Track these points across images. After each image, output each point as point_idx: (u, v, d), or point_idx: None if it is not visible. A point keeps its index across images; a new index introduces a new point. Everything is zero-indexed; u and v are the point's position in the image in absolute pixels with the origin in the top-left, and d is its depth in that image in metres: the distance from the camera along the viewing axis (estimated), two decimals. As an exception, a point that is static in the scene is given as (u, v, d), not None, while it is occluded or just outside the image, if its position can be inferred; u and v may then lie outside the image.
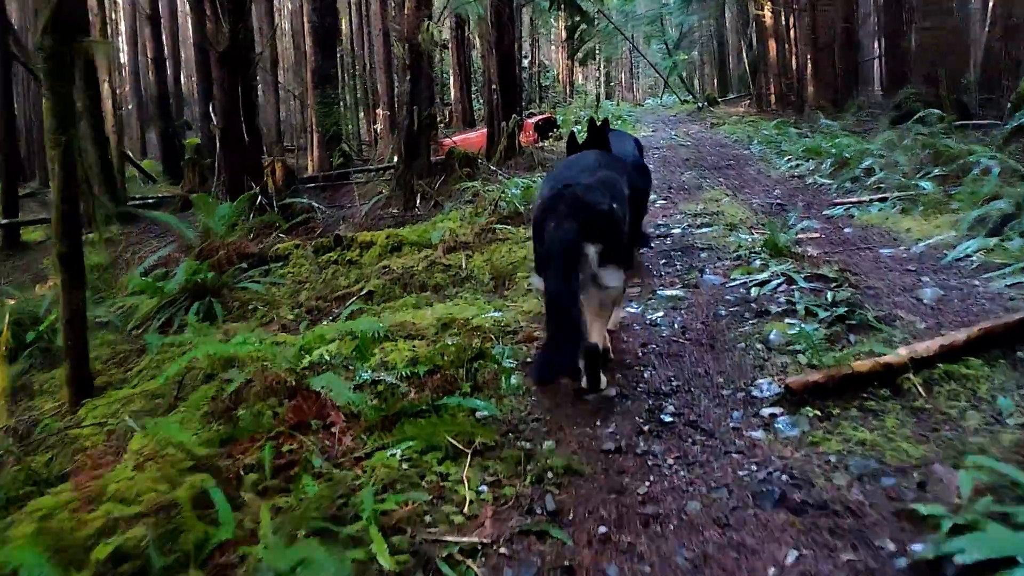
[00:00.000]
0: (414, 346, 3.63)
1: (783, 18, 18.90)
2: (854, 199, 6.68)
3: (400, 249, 6.29)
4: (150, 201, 11.72)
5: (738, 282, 4.20)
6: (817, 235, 5.56)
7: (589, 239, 2.52)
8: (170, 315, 5.83)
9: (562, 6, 17.57)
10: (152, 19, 15.16)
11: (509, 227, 6.26)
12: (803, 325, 3.32)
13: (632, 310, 3.95)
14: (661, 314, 3.84)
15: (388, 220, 8.98)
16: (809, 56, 17.03)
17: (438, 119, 27.21)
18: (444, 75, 26.53)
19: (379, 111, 20.14)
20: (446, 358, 3.24)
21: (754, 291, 4.00)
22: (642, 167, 4.27)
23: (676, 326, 3.66)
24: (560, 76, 29.53)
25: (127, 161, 15.87)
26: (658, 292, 4.20)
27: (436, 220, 7.08)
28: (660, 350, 3.36)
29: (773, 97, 19.50)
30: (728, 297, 3.99)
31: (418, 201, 9.57)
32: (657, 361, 3.23)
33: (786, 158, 9.76)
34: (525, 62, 27.18)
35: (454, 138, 15.87)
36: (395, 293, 5.54)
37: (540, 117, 16.51)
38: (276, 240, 9.19)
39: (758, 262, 4.48)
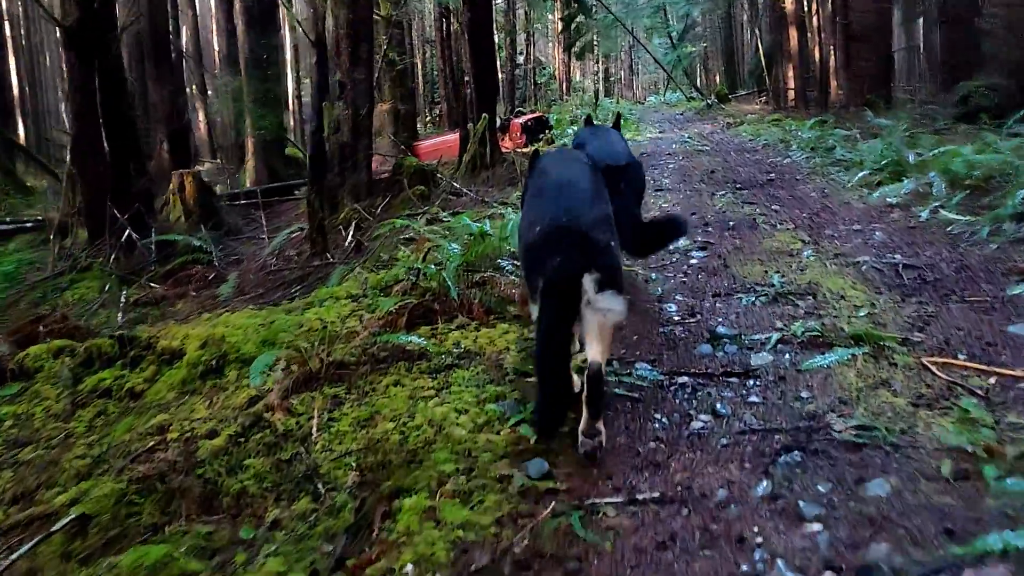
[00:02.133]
0: None
1: (804, 3, 15.43)
2: (1062, 265, 3.39)
3: (222, 371, 3.01)
4: (27, 225, 8.46)
5: None
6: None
7: (587, 269, 2.18)
8: None
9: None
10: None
11: (423, 338, 2.97)
12: None
13: None
14: None
15: (293, 269, 5.70)
16: (835, 45, 13.65)
17: (427, 118, 23.76)
18: (434, 73, 23.24)
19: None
20: None
21: None
22: None
23: None
24: (556, 73, 25.98)
25: (46, 172, 12.61)
26: None
27: (315, 297, 3.75)
28: None
29: (792, 92, 16.05)
30: None
31: (349, 236, 6.24)
32: None
33: (858, 174, 6.43)
34: (520, 58, 23.78)
35: (426, 142, 12.50)
36: (141, 518, 2.30)
37: (529, 116, 13.10)
38: (141, 292, 5.96)
39: None
